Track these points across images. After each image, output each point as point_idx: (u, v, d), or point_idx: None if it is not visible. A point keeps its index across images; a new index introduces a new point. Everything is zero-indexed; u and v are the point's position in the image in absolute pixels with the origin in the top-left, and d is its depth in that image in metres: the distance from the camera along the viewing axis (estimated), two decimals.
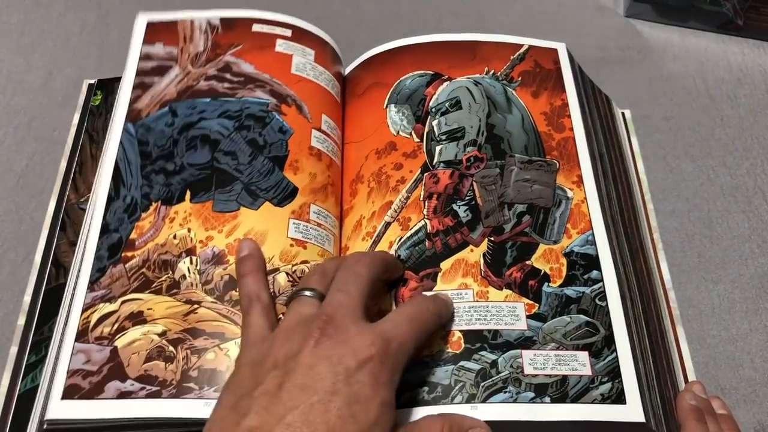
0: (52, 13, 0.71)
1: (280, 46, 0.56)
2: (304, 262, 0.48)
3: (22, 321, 0.49)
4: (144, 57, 0.55)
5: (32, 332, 0.48)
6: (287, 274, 0.47)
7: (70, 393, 0.42)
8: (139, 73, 0.54)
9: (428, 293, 0.46)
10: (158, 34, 0.56)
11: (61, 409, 0.41)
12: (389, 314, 0.41)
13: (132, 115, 0.52)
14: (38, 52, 0.67)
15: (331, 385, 0.36)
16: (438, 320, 0.44)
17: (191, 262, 0.46)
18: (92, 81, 0.60)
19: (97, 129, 0.57)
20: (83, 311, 0.45)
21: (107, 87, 0.59)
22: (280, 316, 0.45)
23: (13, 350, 0.48)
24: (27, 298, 0.50)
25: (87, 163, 0.55)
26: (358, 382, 0.37)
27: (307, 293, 0.42)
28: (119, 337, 0.44)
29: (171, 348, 0.43)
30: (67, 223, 0.52)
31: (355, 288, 0.41)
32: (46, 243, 0.52)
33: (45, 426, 0.41)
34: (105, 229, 0.48)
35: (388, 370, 0.38)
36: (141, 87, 0.54)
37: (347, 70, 0.61)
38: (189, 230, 0.48)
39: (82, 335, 0.44)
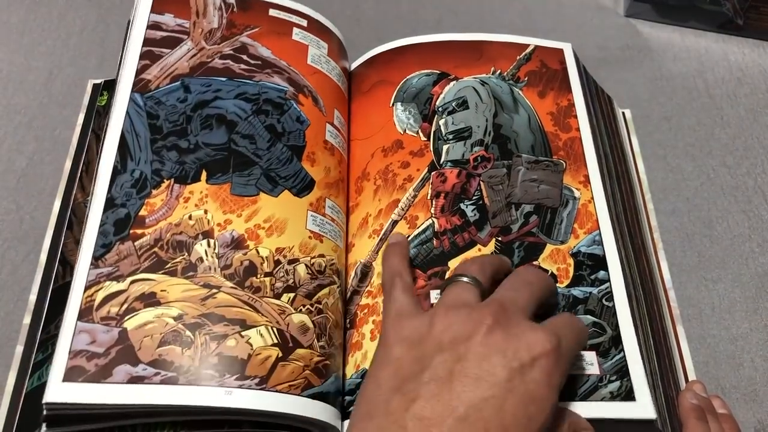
0: (52, 13, 0.71)
1: (297, 35, 0.56)
2: (321, 256, 0.48)
3: (27, 320, 0.49)
4: (152, 26, 0.53)
5: (39, 331, 0.48)
6: (306, 266, 0.47)
7: (72, 375, 0.40)
8: (147, 42, 0.53)
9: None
10: (168, 5, 0.55)
11: (63, 392, 0.39)
12: (548, 320, 0.40)
13: (139, 86, 0.51)
14: (38, 52, 0.67)
15: (507, 381, 0.35)
16: (587, 338, 0.42)
17: (209, 245, 0.45)
18: (97, 81, 0.60)
19: (103, 128, 0.57)
20: (86, 288, 0.43)
21: (113, 87, 0.59)
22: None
23: (19, 349, 0.48)
24: (32, 297, 0.50)
25: (93, 163, 0.55)
26: (533, 380, 0.35)
27: (466, 279, 0.41)
28: (129, 319, 0.42)
29: (188, 332, 0.42)
30: (74, 222, 0.52)
31: (528, 293, 0.40)
32: (51, 242, 0.52)
33: (44, 411, 0.40)
34: (110, 203, 0.46)
35: (560, 370, 0.37)
36: (149, 57, 0.52)
37: (351, 67, 0.61)
38: (206, 212, 0.47)
39: (85, 314, 0.42)
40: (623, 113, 0.64)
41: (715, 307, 0.55)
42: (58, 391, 0.39)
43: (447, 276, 0.46)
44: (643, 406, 0.42)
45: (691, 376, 0.50)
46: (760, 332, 0.54)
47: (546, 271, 0.48)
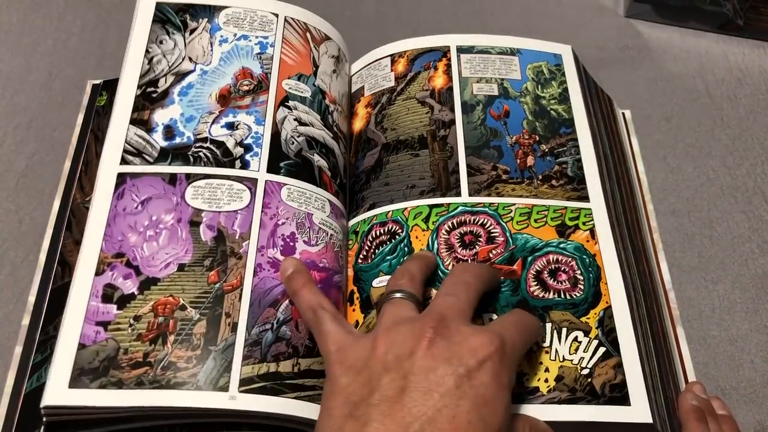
0: (52, 13, 0.71)
1: None
2: None
3: (26, 321, 0.49)
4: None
5: (38, 332, 0.48)
6: None
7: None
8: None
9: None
10: None
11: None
12: (494, 320, 0.40)
13: None
14: (38, 52, 0.67)
15: (456, 389, 0.35)
16: (538, 334, 0.43)
17: None
18: (97, 81, 0.60)
19: (102, 129, 0.57)
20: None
21: (112, 88, 0.59)
22: None
23: (18, 350, 0.48)
24: (31, 298, 0.50)
25: (92, 163, 0.55)
26: (482, 384, 0.35)
27: (399, 295, 0.41)
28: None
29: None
30: (73, 222, 0.52)
31: (465, 294, 0.40)
32: (50, 242, 0.52)
33: (44, 417, 0.40)
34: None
35: (507, 370, 0.37)
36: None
37: (352, 71, 0.61)
38: None
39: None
40: (623, 114, 0.64)
41: (715, 308, 0.55)
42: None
43: (380, 294, 0.45)
44: (639, 411, 0.42)
45: (691, 377, 0.50)
46: (760, 333, 0.54)
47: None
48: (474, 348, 0.36)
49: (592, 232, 0.49)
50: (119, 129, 0.50)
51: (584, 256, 0.48)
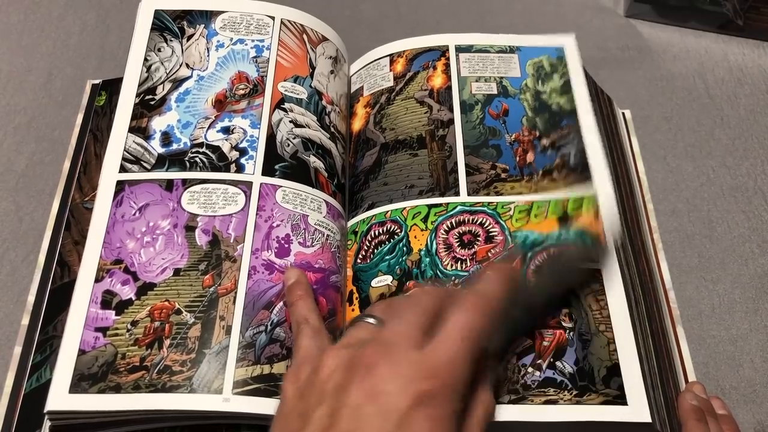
0: (52, 13, 0.71)
1: None
2: None
3: (26, 321, 0.49)
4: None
5: (38, 332, 0.48)
6: None
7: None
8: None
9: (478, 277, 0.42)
10: None
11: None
12: (440, 330, 0.37)
13: None
14: (38, 52, 0.67)
15: None
16: (499, 303, 0.39)
17: None
18: (96, 81, 0.60)
19: (101, 129, 0.57)
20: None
21: (111, 87, 0.59)
22: None
23: (17, 350, 0.48)
24: (31, 298, 0.50)
25: (91, 163, 0.55)
26: (411, 430, 0.33)
27: (369, 320, 0.40)
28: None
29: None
30: (72, 222, 0.52)
31: (415, 318, 0.37)
32: (50, 242, 0.52)
33: (48, 421, 0.41)
34: None
35: (449, 402, 0.34)
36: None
37: (351, 71, 0.61)
38: None
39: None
40: (623, 114, 0.64)
41: (715, 308, 0.55)
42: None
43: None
44: (638, 410, 0.42)
45: (691, 377, 0.50)
46: (760, 333, 0.53)
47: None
48: (407, 383, 0.34)
49: (597, 215, 0.48)
50: (119, 138, 0.51)
51: (586, 239, 0.48)
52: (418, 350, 0.35)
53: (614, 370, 0.44)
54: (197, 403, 0.41)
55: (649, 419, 0.42)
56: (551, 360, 0.44)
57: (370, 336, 0.38)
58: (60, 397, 0.41)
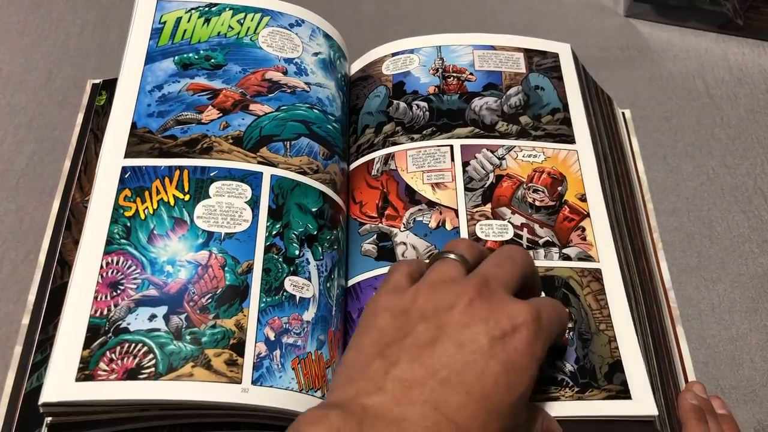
0: (52, 13, 0.71)
1: None
2: None
3: (26, 320, 0.49)
4: None
5: (38, 331, 0.48)
6: None
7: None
8: None
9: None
10: None
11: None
12: (531, 299, 0.39)
13: None
14: (38, 52, 0.67)
15: (489, 348, 0.34)
16: (567, 320, 0.43)
17: None
18: (96, 81, 0.60)
19: (102, 128, 0.57)
20: None
21: (112, 87, 0.59)
22: None
23: (17, 350, 0.48)
24: (31, 297, 0.50)
25: (92, 163, 0.55)
26: (514, 349, 0.35)
27: (453, 256, 0.40)
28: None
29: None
30: (72, 222, 0.52)
31: (511, 269, 0.40)
32: (50, 242, 0.52)
33: (45, 415, 0.40)
34: None
35: (541, 343, 0.36)
36: None
37: (351, 68, 0.61)
38: None
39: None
40: (623, 113, 0.64)
41: (715, 308, 0.55)
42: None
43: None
44: (641, 404, 0.42)
45: (691, 377, 0.50)
46: (760, 332, 0.54)
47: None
48: (512, 314, 0.36)
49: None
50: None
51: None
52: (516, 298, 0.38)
53: (616, 367, 0.44)
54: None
55: (655, 411, 0.42)
56: (550, 359, 0.44)
57: (460, 273, 0.39)
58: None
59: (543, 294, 0.46)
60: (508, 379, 0.34)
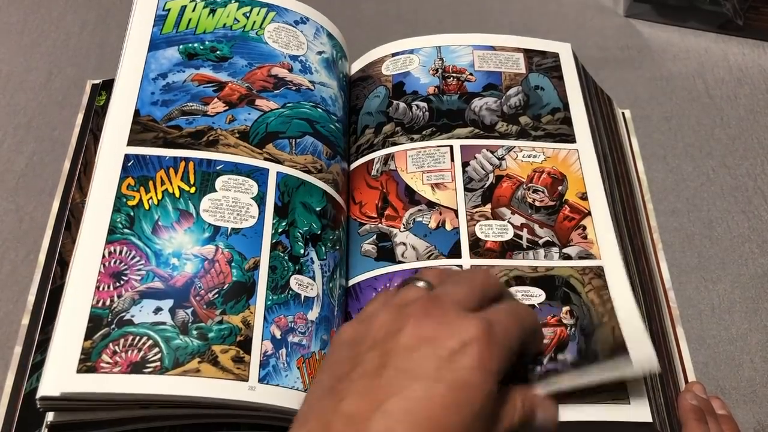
0: (52, 13, 0.71)
1: None
2: None
3: (26, 320, 0.49)
4: None
5: (38, 331, 0.48)
6: None
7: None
8: None
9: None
10: None
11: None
12: (486, 309, 0.39)
13: None
14: (38, 52, 0.67)
15: (435, 371, 0.34)
16: (533, 321, 0.41)
17: None
18: (96, 81, 0.60)
19: (101, 128, 0.56)
20: None
21: (112, 87, 0.59)
22: None
23: (17, 350, 0.48)
24: (31, 298, 0.50)
25: (92, 163, 0.54)
26: (463, 367, 0.34)
27: (420, 283, 0.40)
28: None
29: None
30: (72, 222, 0.52)
31: (467, 288, 0.39)
32: (50, 242, 0.52)
33: (43, 412, 0.39)
34: None
35: (495, 355, 0.35)
36: None
37: (351, 68, 0.61)
38: None
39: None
40: (623, 113, 0.64)
41: (715, 308, 0.55)
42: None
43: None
44: (639, 409, 0.42)
45: (691, 377, 0.50)
46: (760, 333, 0.54)
47: None
48: (460, 330, 0.35)
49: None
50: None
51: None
52: (469, 312, 0.37)
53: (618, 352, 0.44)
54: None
55: (650, 419, 0.42)
56: (552, 354, 0.44)
57: (421, 297, 0.39)
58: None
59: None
60: (456, 398, 0.34)
